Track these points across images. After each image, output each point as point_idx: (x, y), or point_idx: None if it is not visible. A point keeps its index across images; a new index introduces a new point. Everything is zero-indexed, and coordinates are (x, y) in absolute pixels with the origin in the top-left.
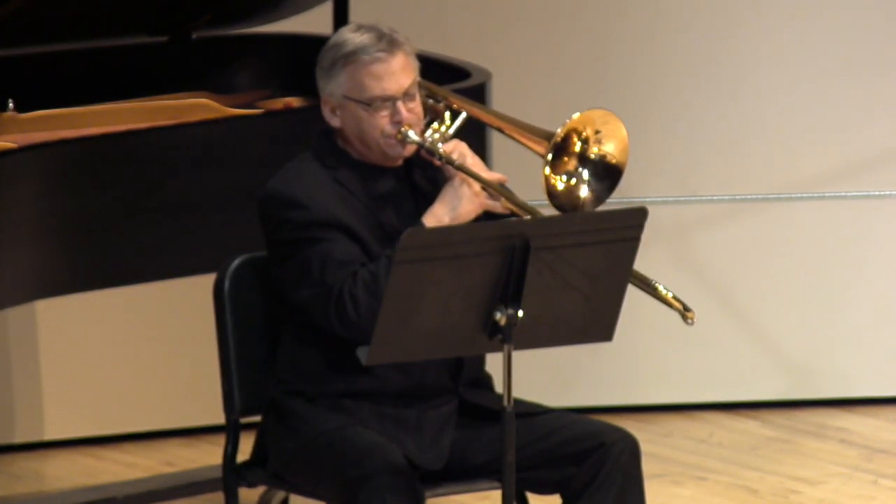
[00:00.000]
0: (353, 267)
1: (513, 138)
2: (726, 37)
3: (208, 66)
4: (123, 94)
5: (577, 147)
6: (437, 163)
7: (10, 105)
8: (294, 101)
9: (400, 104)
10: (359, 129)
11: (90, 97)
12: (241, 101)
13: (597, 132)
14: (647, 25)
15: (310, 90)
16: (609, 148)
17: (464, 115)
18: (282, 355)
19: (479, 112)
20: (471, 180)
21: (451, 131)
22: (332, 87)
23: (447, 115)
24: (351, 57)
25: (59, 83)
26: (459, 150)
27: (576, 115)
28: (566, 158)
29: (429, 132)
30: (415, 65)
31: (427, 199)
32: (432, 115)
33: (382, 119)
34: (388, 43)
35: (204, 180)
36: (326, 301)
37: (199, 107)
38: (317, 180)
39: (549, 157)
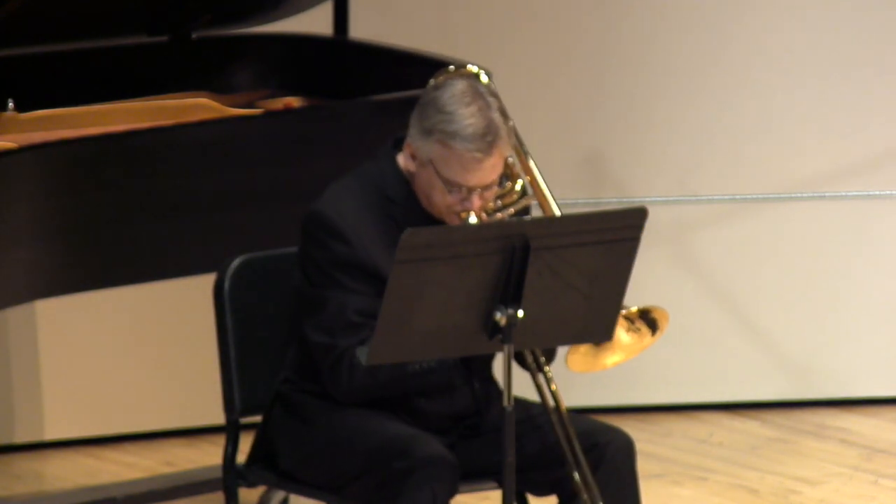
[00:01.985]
0: (366, 332)
1: None
2: (727, 37)
3: (208, 66)
4: (123, 94)
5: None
6: None
7: (10, 105)
8: (294, 101)
9: (475, 195)
10: (429, 191)
11: (90, 97)
12: (241, 101)
13: (640, 321)
14: (647, 26)
15: (310, 90)
16: (625, 338)
17: (529, 199)
18: (294, 355)
19: (546, 206)
20: None
21: (511, 209)
22: (421, 144)
23: (518, 187)
24: (450, 139)
25: (59, 83)
26: None
27: (644, 306)
28: None
29: (491, 210)
30: (507, 154)
31: None
32: (507, 174)
33: (454, 199)
34: (490, 144)
35: (204, 180)
36: (325, 356)
37: (199, 107)
38: (370, 214)
39: None
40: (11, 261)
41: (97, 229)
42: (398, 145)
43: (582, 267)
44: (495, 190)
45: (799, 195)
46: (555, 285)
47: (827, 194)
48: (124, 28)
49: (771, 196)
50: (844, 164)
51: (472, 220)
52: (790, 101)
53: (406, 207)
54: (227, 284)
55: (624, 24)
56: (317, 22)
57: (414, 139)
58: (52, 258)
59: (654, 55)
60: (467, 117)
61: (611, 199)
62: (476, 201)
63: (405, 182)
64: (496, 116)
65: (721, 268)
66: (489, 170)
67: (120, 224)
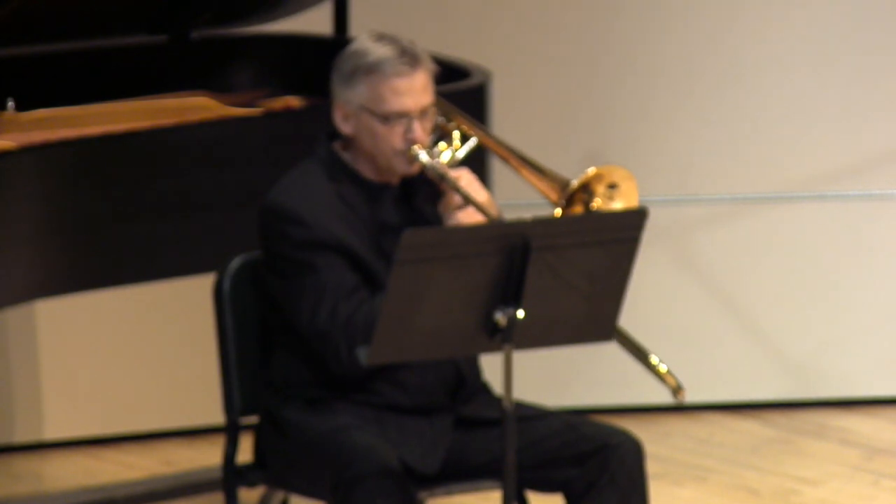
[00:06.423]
0: (355, 302)
1: (524, 177)
2: (726, 36)
3: (208, 65)
4: (123, 94)
5: (587, 198)
6: (444, 186)
7: (10, 105)
8: (294, 101)
9: (416, 123)
10: (372, 141)
11: (90, 97)
12: (240, 100)
13: (610, 187)
14: (647, 24)
15: (310, 90)
16: (617, 206)
17: (474, 140)
18: (275, 362)
19: (492, 143)
20: (473, 212)
21: (459, 154)
22: (350, 96)
23: (456, 135)
24: (374, 68)
25: (59, 83)
26: (467, 179)
27: (594, 169)
28: (574, 204)
29: (438, 152)
30: (433, 83)
31: (427, 224)
32: (440, 134)
33: (396, 135)
34: (412, 59)
35: (204, 180)
36: (323, 343)
37: (199, 107)
38: (321, 196)
39: (562, 206)
40: (11, 261)
41: (97, 229)
42: (332, 138)
43: (582, 267)
44: (433, 120)
45: (799, 195)
46: (555, 285)
47: (827, 194)
48: (124, 28)
49: (771, 196)
50: (844, 164)
51: (423, 157)
52: (790, 100)
53: (352, 188)
54: (226, 284)
55: (623, 23)
56: (317, 22)
57: (340, 95)
58: (52, 258)
59: (654, 55)
60: (381, 48)
61: None
62: (418, 129)
63: (346, 165)
64: (406, 42)
65: (721, 268)
66: (421, 90)
67: (120, 224)
